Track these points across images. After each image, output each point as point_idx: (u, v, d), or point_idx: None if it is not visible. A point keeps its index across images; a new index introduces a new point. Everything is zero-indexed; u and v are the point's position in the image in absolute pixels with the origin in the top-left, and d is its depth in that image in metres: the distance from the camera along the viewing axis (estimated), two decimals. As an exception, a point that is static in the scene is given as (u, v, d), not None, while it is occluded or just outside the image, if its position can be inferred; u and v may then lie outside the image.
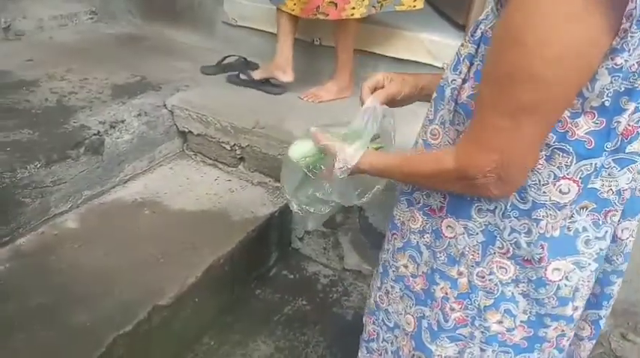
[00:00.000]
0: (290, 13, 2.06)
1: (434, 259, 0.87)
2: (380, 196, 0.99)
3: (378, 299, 1.02)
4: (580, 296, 0.80)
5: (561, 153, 0.68)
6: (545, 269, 0.76)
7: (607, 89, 0.63)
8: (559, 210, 0.72)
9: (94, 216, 1.74)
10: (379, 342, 1.05)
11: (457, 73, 0.76)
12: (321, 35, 2.40)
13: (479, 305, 0.83)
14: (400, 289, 0.96)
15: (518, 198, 0.74)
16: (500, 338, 0.84)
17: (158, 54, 2.61)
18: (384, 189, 0.98)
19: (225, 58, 2.44)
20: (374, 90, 0.97)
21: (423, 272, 0.90)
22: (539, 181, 0.71)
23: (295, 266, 2.03)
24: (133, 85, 2.19)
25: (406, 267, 0.93)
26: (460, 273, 0.84)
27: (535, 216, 0.73)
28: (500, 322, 0.83)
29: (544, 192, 0.72)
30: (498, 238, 0.78)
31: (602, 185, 0.71)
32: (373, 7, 2.02)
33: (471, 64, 0.74)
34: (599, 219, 0.73)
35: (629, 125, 0.66)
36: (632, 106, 0.64)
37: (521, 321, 0.82)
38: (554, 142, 0.68)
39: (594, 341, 0.92)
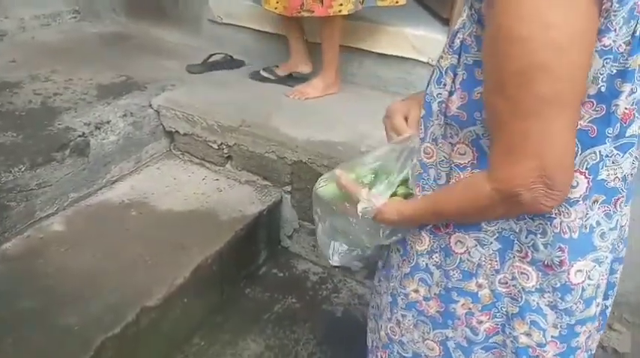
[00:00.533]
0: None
1: (446, 278, 0.83)
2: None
3: (389, 332, 0.96)
4: (600, 291, 0.79)
5: None
6: (568, 273, 0.74)
7: (600, 74, 0.62)
8: (571, 206, 0.70)
9: (80, 219, 1.73)
10: None
11: (441, 86, 0.75)
12: (307, 32, 2.39)
13: (506, 311, 0.80)
14: (413, 316, 0.90)
15: None
16: (531, 352, 0.80)
17: (143, 53, 2.59)
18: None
19: (210, 56, 2.44)
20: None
21: (435, 293, 0.86)
22: None
23: (285, 264, 2.04)
24: (119, 85, 2.17)
25: (417, 291, 0.88)
26: (480, 285, 0.80)
27: (547, 215, 0.71)
28: (528, 335, 0.79)
29: None
30: (516, 242, 0.75)
31: (608, 174, 0.69)
32: (360, 2, 2.02)
33: (455, 74, 0.72)
34: (610, 210, 0.72)
35: (626, 109, 0.65)
36: (627, 88, 0.63)
37: (552, 337, 0.79)
38: None
39: (602, 332, 0.89)
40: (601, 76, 0.62)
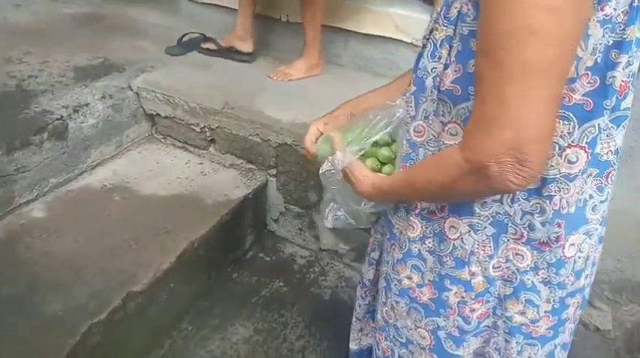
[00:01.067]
0: None
1: (440, 265, 0.81)
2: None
3: (385, 315, 0.96)
4: (589, 263, 0.79)
5: (562, 121, 0.65)
6: (563, 248, 0.73)
7: (600, 44, 0.60)
8: (570, 182, 0.69)
9: (61, 204, 1.69)
10: None
11: (436, 59, 0.72)
12: (288, 12, 2.35)
13: (498, 294, 0.80)
14: (406, 303, 0.89)
15: None
16: (524, 329, 0.81)
17: (120, 34, 2.51)
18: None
19: (184, 35, 2.38)
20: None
21: (429, 280, 0.84)
22: None
23: (271, 248, 2.03)
24: (96, 67, 2.10)
25: (410, 278, 0.87)
26: (473, 274, 0.79)
27: (547, 193, 0.69)
28: (522, 313, 0.79)
29: (552, 166, 0.68)
30: (510, 225, 0.74)
31: (602, 148, 0.68)
32: None
33: (450, 46, 0.70)
34: (601, 183, 0.72)
35: (622, 81, 0.63)
36: (623, 59, 0.61)
37: (545, 311, 0.79)
38: None
39: (581, 311, 0.89)
40: (599, 47, 0.61)
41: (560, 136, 0.66)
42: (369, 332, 1.16)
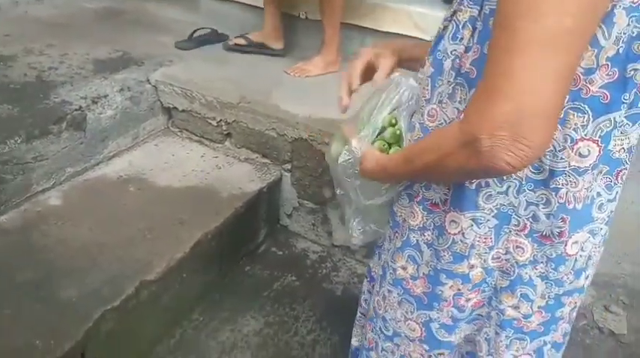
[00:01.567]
0: None
1: (437, 259, 0.79)
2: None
3: (375, 305, 0.94)
4: (592, 263, 0.76)
5: (576, 114, 0.62)
6: (565, 245, 0.71)
7: (623, 34, 0.58)
8: (579, 176, 0.66)
9: (77, 193, 1.70)
10: (378, 352, 0.97)
11: (457, 41, 0.69)
12: (307, 9, 2.36)
13: (495, 285, 0.78)
14: (398, 294, 0.87)
15: (532, 169, 0.67)
16: (515, 324, 0.80)
17: (139, 28, 2.54)
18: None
19: (195, 30, 2.40)
20: (366, 73, 0.89)
21: (423, 273, 0.83)
22: (555, 147, 0.65)
23: (284, 242, 2.03)
24: (115, 60, 2.13)
25: (404, 268, 0.85)
26: (472, 267, 0.77)
27: (554, 185, 0.67)
28: (516, 307, 0.78)
29: (562, 158, 0.65)
30: (514, 216, 0.72)
31: (615, 145, 0.66)
32: None
33: (474, 28, 0.67)
34: (611, 181, 0.69)
35: None
36: None
37: (539, 307, 0.78)
38: (567, 102, 0.62)
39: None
40: (623, 37, 0.58)
41: (574, 129, 0.64)
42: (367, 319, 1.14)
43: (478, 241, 0.74)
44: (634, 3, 0.56)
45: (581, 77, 0.61)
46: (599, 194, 0.70)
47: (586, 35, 0.55)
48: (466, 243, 0.75)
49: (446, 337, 0.85)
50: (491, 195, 0.71)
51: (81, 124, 1.75)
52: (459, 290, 0.79)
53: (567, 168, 0.66)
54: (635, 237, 1.87)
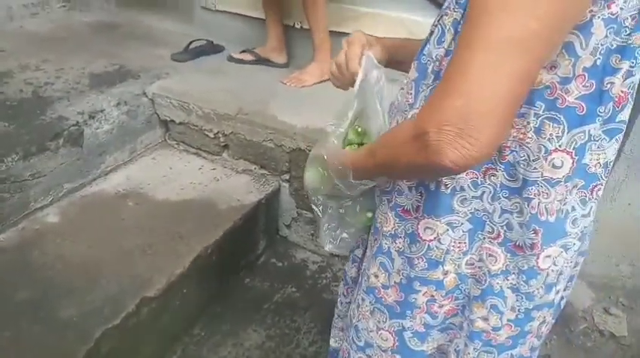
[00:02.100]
0: None
1: (410, 267, 0.77)
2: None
3: (350, 313, 0.92)
4: (563, 278, 0.76)
5: (552, 124, 0.62)
6: (537, 258, 0.70)
7: (602, 44, 0.57)
8: (552, 187, 0.66)
9: (76, 210, 1.70)
10: None
11: (442, 45, 0.68)
12: (301, 19, 2.36)
13: (469, 293, 0.77)
14: (370, 302, 0.85)
15: (507, 176, 0.67)
16: (484, 337, 0.79)
17: (135, 41, 2.54)
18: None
19: (191, 42, 2.41)
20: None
21: (395, 282, 0.81)
22: (529, 156, 0.64)
23: (283, 253, 2.03)
24: (112, 74, 2.13)
25: (376, 276, 0.83)
26: (446, 273, 0.76)
27: (526, 195, 0.67)
28: (485, 319, 0.77)
29: (535, 168, 0.65)
30: (488, 223, 0.71)
31: (591, 159, 0.65)
32: None
33: (456, 31, 0.66)
34: (586, 196, 0.68)
35: (622, 91, 0.60)
36: (625, 66, 0.59)
37: (508, 320, 0.77)
38: (543, 111, 0.61)
39: (553, 321, 0.87)
40: (600, 48, 0.58)
41: (548, 139, 0.63)
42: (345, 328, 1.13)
43: (453, 246, 0.74)
44: (612, 15, 0.56)
45: (558, 86, 0.60)
46: (573, 208, 0.69)
47: (550, 42, 0.55)
48: (441, 249, 0.74)
49: (419, 346, 0.84)
50: (465, 198, 0.70)
51: (78, 140, 1.75)
52: (433, 296, 0.78)
53: (540, 179, 0.65)
54: (632, 239, 1.87)
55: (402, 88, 0.78)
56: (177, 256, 1.53)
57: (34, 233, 1.57)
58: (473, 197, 0.70)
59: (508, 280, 0.73)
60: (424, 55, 0.72)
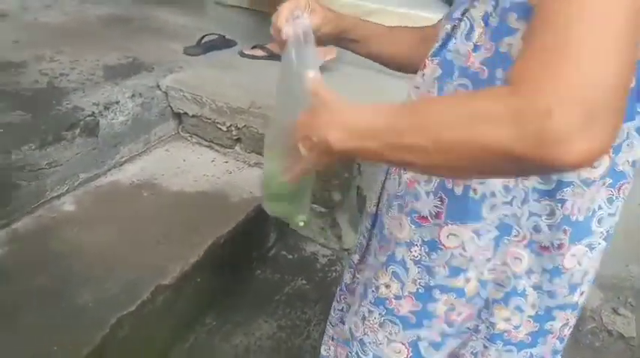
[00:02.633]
0: None
1: (429, 275, 0.73)
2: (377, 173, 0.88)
3: (352, 326, 0.86)
4: (587, 279, 0.73)
5: None
6: (564, 257, 0.67)
7: None
8: (587, 187, 0.63)
9: (91, 199, 1.72)
10: None
11: (471, 40, 0.64)
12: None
13: (487, 297, 0.74)
14: (380, 314, 0.80)
15: (539, 178, 0.63)
16: (505, 336, 0.76)
17: (149, 35, 2.56)
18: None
19: (203, 36, 2.42)
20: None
21: (410, 292, 0.76)
22: None
23: (294, 246, 2.04)
24: (125, 66, 2.15)
25: (388, 286, 0.78)
26: (468, 280, 0.72)
27: (560, 196, 0.63)
28: (507, 319, 0.74)
29: None
30: (515, 227, 0.67)
31: (620, 157, 0.63)
32: None
33: (487, 24, 0.62)
34: (612, 194, 0.66)
35: None
36: None
37: (528, 316, 0.74)
38: None
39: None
40: None
41: None
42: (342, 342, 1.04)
43: (477, 253, 0.70)
44: None
45: None
46: (600, 207, 0.67)
47: None
48: (465, 256, 0.70)
49: (433, 355, 0.80)
50: (495, 205, 0.66)
51: (94, 130, 1.77)
52: (452, 304, 0.75)
53: (576, 180, 0.63)
54: (643, 239, 1.88)
55: (417, 87, 0.73)
56: (191, 246, 1.55)
57: (50, 221, 1.59)
58: (503, 203, 0.66)
59: (531, 279, 0.71)
60: (449, 51, 0.67)
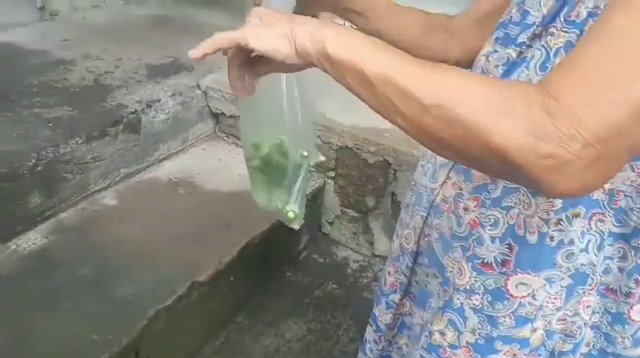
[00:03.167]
0: None
1: (491, 326, 0.68)
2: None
3: None
4: None
5: None
6: (631, 308, 0.62)
7: None
8: None
9: (131, 194, 1.77)
10: None
11: (547, 71, 0.58)
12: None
13: (552, 349, 0.68)
14: None
15: (615, 222, 0.59)
16: None
17: (189, 35, 2.61)
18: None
19: None
20: None
21: (467, 342, 0.70)
22: None
23: (325, 250, 2.05)
24: (167, 66, 2.20)
25: (442, 334, 0.72)
26: (534, 330, 0.66)
27: (635, 243, 0.59)
28: None
29: None
30: (591, 276, 0.62)
31: None
32: None
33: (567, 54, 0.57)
34: None
35: None
36: None
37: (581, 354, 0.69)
38: None
39: None
40: None
41: None
42: None
43: (547, 302, 0.64)
44: None
45: None
46: None
47: None
48: (535, 305, 0.65)
49: None
50: (573, 253, 0.61)
51: (136, 127, 1.82)
52: (515, 355, 0.69)
53: None
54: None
55: None
56: (226, 244, 1.58)
57: (93, 213, 1.64)
58: (580, 250, 0.61)
59: (591, 319, 0.66)
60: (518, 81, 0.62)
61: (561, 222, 0.60)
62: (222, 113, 2.13)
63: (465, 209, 0.68)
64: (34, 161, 1.51)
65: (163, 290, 1.38)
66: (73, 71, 2.06)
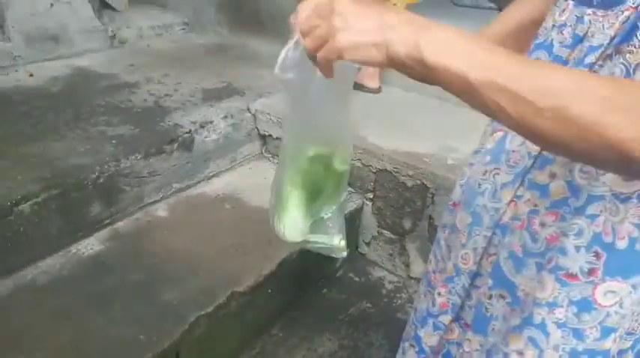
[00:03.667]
0: None
1: (577, 339, 0.65)
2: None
3: None
4: None
5: None
6: None
7: None
8: None
9: (181, 207, 1.90)
10: None
11: None
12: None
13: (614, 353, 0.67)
14: None
15: None
16: None
17: (243, 62, 2.79)
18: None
19: None
20: None
21: None
22: None
23: (361, 270, 2.09)
24: (221, 90, 2.36)
25: (521, 354, 0.68)
26: (615, 340, 0.64)
27: None
28: None
29: None
30: None
31: None
32: None
33: None
34: None
35: None
36: None
37: None
38: None
39: None
40: None
41: None
42: None
43: (630, 308, 0.63)
44: None
45: None
46: None
47: None
48: (620, 314, 0.63)
49: None
50: None
51: (189, 146, 1.97)
52: None
53: None
54: None
55: None
56: (266, 258, 1.66)
57: (146, 224, 1.78)
58: None
59: None
60: None
61: None
62: (270, 135, 2.25)
63: (542, 224, 0.66)
64: (97, 173, 1.67)
65: (205, 297, 1.47)
66: (136, 93, 2.26)
